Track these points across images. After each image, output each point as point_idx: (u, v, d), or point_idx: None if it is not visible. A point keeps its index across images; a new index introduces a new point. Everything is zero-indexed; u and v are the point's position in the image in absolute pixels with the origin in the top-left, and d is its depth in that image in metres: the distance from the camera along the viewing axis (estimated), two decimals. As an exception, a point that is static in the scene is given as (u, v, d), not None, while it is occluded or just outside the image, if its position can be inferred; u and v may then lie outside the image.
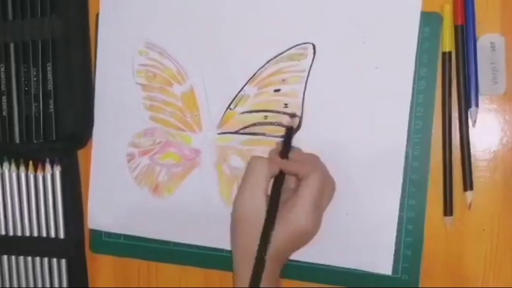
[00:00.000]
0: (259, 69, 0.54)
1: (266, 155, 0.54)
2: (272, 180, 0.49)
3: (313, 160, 0.50)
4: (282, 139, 0.52)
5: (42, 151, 0.60)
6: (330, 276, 0.53)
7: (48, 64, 0.59)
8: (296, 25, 0.53)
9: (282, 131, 0.53)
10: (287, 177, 0.50)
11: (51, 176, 0.60)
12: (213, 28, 0.55)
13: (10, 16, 0.59)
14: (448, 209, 0.50)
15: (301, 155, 0.51)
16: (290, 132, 0.52)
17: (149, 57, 0.57)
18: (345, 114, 0.51)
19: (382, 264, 0.51)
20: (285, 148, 0.50)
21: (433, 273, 0.52)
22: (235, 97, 0.55)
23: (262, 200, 0.48)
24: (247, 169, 0.50)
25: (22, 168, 0.61)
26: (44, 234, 0.61)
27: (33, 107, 0.59)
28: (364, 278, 0.52)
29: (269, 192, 0.49)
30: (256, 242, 0.47)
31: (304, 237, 0.49)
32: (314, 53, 0.52)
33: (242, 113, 0.55)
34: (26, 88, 0.60)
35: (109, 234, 0.60)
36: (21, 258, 0.62)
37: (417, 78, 0.50)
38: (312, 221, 0.48)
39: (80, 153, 0.61)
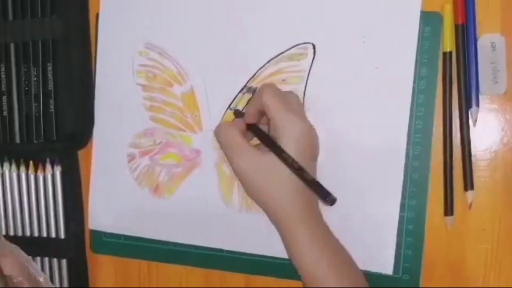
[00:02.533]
0: (259, 69, 0.54)
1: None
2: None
3: (258, 89, 0.51)
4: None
5: (42, 151, 0.60)
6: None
7: (48, 64, 0.59)
8: (296, 25, 0.53)
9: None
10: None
11: (52, 176, 0.60)
12: (213, 28, 0.55)
13: (11, 16, 0.59)
14: (448, 209, 0.50)
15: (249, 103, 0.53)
16: (237, 112, 0.54)
17: (149, 58, 0.57)
18: (346, 114, 0.51)
19: (383, 264, 0.51)
20: (240, 113, 0.53)
21: (434, 273, 0.52)
22: (236, 97, 0.55)
23: (251, 149, 0.49)
24: (219, 140, 0.51)
25: (22, 168, 0.61)
26: (44, 234, 0.61)
27: (34, 107, 0.59)
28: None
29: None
30: (279, 190, 0.48)
31: (309, 142, 0.49)
32: (314, 53, 0.52)
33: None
34: (27, 88, 0.60)
35: (109, 235, 0.60)
36: (22, 258, 0.62)
37: (417, 77, 0.50)
38: (297, 121, 0.48)
39: (81, 153, 0.61)
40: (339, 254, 0.49)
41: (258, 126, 0.51)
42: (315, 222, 0.49)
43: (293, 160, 0.47)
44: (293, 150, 0.47)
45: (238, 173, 0.50)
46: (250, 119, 0.51)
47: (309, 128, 0.49)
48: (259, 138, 0.51)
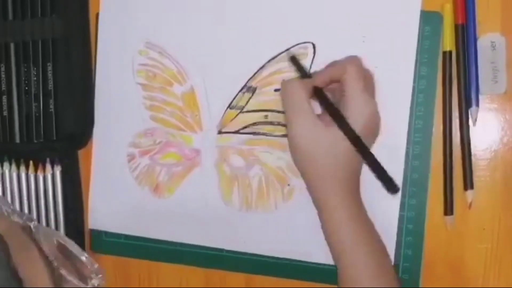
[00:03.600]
0: (259, 69, 0.54)
1: (267, 154, 0.54)
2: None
3: (341, 60, 0.49)
4: (295, 69, 0.51)
5: (42, 151, 0.60)
6: (331, 276, 0.53)
7: (48, 64, 0.59)
8: (296, 25, 0.53)
9: (283, 130, 0.53)
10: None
11: (52, 176, 0.60)
12: (213, 27, 0.55)
13: (11, 16, 0.59)
14: (448, 209, 0.50)
15: (326, 68, 0.50)
16: (294, 59, 0.51)
17: (149, 57, 0.57)
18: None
19: (383, 263, 0.51)
20: (302, 72, 0.50)
21: (433, 272, 0.52)
22: (236, 96, 0.55)
23: (316, 119, 0.47)
24: (284, 97, 0.50)
25: (22, 168, 0.61)
26: (44, 234, 0.61)
27: (34, 107, 0.59)
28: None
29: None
30: (329, 164, 0.47)
31: (375, 125, 0.48)
32: (314, 52, 0.52)
33: (243, 112, 0.55)
34: (27, 88, 0.59)
35: (109, 234, 0.60)
36: (22, 258, 0.62)
37: (417, 77, 0.50)
38: (372, 105, 0.47)
39: (81, 153, 0.61)
40: (376, 240, 0.48)
41: (325, 93, 0.49)
42: (357, 207, 0.48)
43: (359, 137, 0.46)
44: (359, 129, 0.46)
45: (292, 137, 0.48)
46: (321, 84, 0.49)
47: (377, 112, 0.48)
48: (326, 106, 0.48)
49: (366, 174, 0.51)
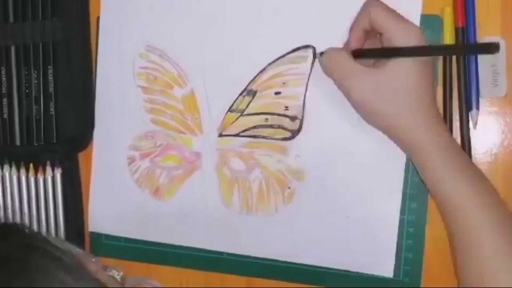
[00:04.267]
0: (259, 72, 0.54)
1: (267, 157, 0.54)
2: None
3: (361, 7, 0.48)
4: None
5: (42, 154, 0.60)
6: (331, 279, 0.53)
7: (49, 67, 0.59)
8: (296, 28, 0.53)
9: (283, 133, 0.53)
10: None
11: (52, 178, 0.60)
12: (214, 31, 0.55)
13: (11, 19, 0.59)
14: (449, 212, 0.50)
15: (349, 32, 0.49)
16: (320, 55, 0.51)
17: (150, 60, 0.58)
18: (346, 116, 0.51)
19: (384, 266, 0.51)
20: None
21: (434, 275, 0.51)
22: (236, 99, 0.55)
23: (370, 71, 0.46)
24: (329, 69, 0.49)
25: (22, 171, 0.61)
26: (44, 237, 0.61)
27: (34, 110, 0.59)
28: (366, 281, 0.52)
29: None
30: (408, 109, 0.45)
31: (424, 36, 0.46)
32: (314, 56, 0.52)
33: (243, 115, 0.55)
34: (27, 91, 0.60)
35: (109, 237, 0.60)
36: (22, 260, 0.62)
37: (418, 80, 0.50)
38: (410, 27, 0.46)
39: (81, 155, 0.61)
40: (488, 186, 0.46)
41: (363, 48, 0.48)
42: (454, 149, 0.46)
43: (424, 46, 0.45)
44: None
45: (356, 100, 0.47)
46: (358, 43, 0.48)
47: (422, 31, 0.46)
48: (373, 55, 0.48)
49: (367, 176, 0.51)
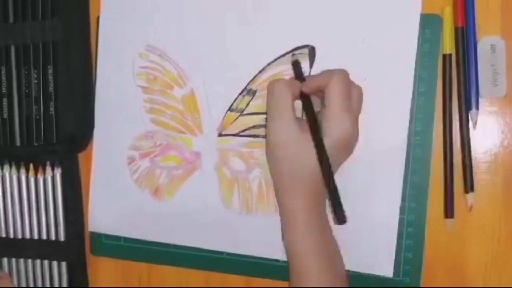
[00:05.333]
0: (259, 72, 0.54)
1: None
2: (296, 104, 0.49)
3: (330, 71, 0.49)
4: (294, 73, 0.52)
5: (42, 154, 0.60)
6: (331, 279, 0.53)
7: (49, 67, 0.59)
8: (296, 28, 0.53)
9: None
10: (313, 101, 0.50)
11: (52, 178, 0.60)
12: (214, 30, 0.55)
13: (11, 19, 0.59)
14: (449, 211, 0.50)
15: (316, 75, 0.51)
16: (297, 64, 0.52)
17: (150, 60, 0.58)
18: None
19: (383, 266, 0.51)
20: (300, 78, 0.50)
21: (434, 275, 0.51)
22: (236, 99, 0.55)
23: (294, 123, 0.48)
24: (269, 95, 0.50)
25: (22, 171, 0.61)
26: (44, 237, 0.61)
27: (34, 110, 0.59)
28: (365, 281, 0.52)
29: (297, 115, 0.49)
30: (300, 166, 0.47)
31: (348, 143, 0.48)
32: (314, 55, 0.52)
33: (243, 115, 0.55)
34: (27, 91, 0.60)
35: (109, 237, 0.60)
36: (22, 260, 0.62)
37: (417, 80, 0.50)
38: (349, 123, 0.47)
39: (81, 155, 0.61)
40: (329, 248, 0.49)
41: (311, 100, 0.49)
42: (318, 217, 0.49)
43: (327, 157, 0.46)
44: (331, 143, 0.47)
45: (270, 134, 0.49)
46: (308, 91, 0.49)
47: (355, 134, 0.48)
48: (306, 114, 0.49)
49: (366, 176, 0.51)
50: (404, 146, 0.50)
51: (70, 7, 0.59)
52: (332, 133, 0.47)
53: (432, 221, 0.51)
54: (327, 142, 0.46)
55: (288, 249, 0.49)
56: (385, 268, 0.51)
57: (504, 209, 0.50)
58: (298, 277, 0.49)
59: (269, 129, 0.49)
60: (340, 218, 0.45)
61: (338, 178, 0.51)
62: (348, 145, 0.49)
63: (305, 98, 0.49)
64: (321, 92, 0.49)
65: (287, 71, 0.53)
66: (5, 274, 0.50)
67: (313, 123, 0.48)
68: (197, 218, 0.57)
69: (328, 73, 0.48)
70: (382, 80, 0.50)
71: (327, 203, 0.50)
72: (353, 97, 0.48)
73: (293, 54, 0.53)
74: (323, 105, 0.49)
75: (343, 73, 0.48)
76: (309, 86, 0.49)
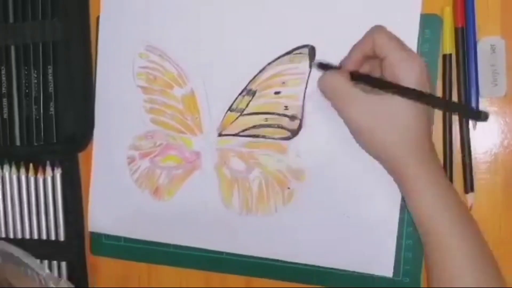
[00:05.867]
0: (259, 72, 0.54)
1: (266, 157, 0.54)
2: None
3: (364, 35, 0.48)
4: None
5: (42, 154, 0.60)
6: (331, 279, 0.53)
7: (48, 67, 0.59)
8: (296, 28, 0.53)
9: (282, 133, 0.53)
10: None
11: (52, 178, 0.60)
12: (214, 31, 0.55)
13: (11, 19, 0.59)
14: (449, 211, 0.50)
15: (348, 53, 0.49)
16: (322, 65, 0.51)
17: (150, 60, 0.58)
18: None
19: (383, 266, 0.51)
20: (334, 66, 0.49)
21: (434, 275, 0.51)
22: (236, 99, 0.55)
23: (366, 97, 0.46)
24: (325, 93, 0.49)
25: (22, 171, 0.61)
26: (44, 237, 0.61)
27: (34, 110, 0.59)
28: (365, 281, 0.52)
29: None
30: (395, 134, 0.45)
31: (427, 75, 0.46)
32: (314, 55, 0.52)
33: (243, 115, 0.55)
34: (27, 91, 0.60)
35: (109, 237, 0.60)
36: (22, 260, 0.62)
37: (417, 80, 0.50)
38: (417, 57, 0.46)
39: (81, 155, 0.61)
40: (472, 228, 0.46)
41: (362, 74, 0.48)
42: (445, 187, 0.46)
43: (420, 91, 0.44)
44: (414, 85, 0.44)
45: (352, 122, 0.47)
46: (356, 66, 0.48)
47: (425, 63, 0.46)
48: (371, 83, 0.47)
49: (366, 176, 0.51)
50: (404, 146, 0.50)
51: (70, 7, 0.59)
52: (408, 74, 0.45)
53: (432, 221, 0.51)
54: (411, 85, 0.44)
55: (417, 220, 0.46)
56: (385, 268, 0.51)
57: (504, 209, 0.50)
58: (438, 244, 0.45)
59: (349, 120, 0.47)
60: (478, 115, 0.42)
61: (338, 176, 0.51)
62: (428, 78, 0.46)
63: (356, 75, 0.48)
64: (368, 59, 0.48)
65: (287, 71, 0.53)
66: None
67: (381, 80, 0.46)
68: (197, 218, 0.57)
69: (366, 35, 0.48)
70: (382, 80, 0.50)
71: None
72: (398, 39, 0.47)
73: (313, 63, 0.52)
74: (380, 66, 0.47)
75: (380, 27, 0.47)
76: (355, 60, 0.48)
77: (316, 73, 0.52)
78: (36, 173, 0.61)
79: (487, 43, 0.49)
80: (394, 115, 0.45)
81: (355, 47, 0.49)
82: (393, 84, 0.45)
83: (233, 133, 0.56)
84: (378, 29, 0.47)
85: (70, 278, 0.61)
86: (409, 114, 0.45)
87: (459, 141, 0.50)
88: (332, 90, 0.48)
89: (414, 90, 0.44)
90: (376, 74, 0.48)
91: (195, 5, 0.56)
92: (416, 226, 0.47)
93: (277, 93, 0.54)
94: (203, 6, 0.55)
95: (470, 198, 0.50)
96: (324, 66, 0.51)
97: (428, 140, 0.46)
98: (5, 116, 0.60)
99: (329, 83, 0.48)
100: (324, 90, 0.49)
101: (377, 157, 0.48)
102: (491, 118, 0.50)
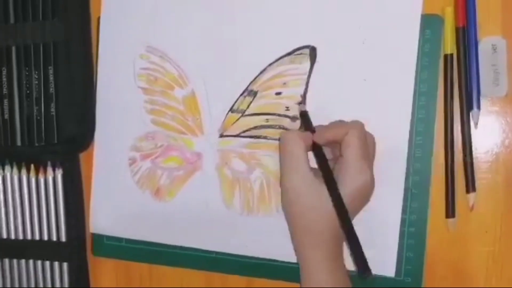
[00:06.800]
0: (260, 72, 0.54)
1: (268, 158, 0.54)
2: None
3: (343, 123, 0.50)
4: (302, 126, 0.52)
5: (43, 154, 0.60)
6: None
7: (49, 68, 0.59)
8: (297, 28, 0.53)
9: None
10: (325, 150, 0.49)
11: (53, 179, 0.60)
12: (214, 31, 0.55)
13: (12, 20, 0.59)
14: (450, 211, 0.50)
15: (327, 125, 0.51)
16: (305, 115, 0.52)
17: (150, 61, 0.58)
18: (347, 116, 0.51)
19: (385, 266, 0.51)
20: (309, 128, 0.50)
21: (435, 275, 0.51)
22: (237, 100, 0.55)
23: (309, 175, 0.48)
24: (282, 148, 0.49)
25: (23, 171, 0.61)
26: (45, 238, 0.61)
27: (35, 110, 0.59)
28: (367, 280, 0.52)
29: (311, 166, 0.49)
30: (318, 218, 0.47)
31: (365, 193, 0.48)
32: (315, 56, 0.52)
33: (244, 116, 0.55)
34: (28, 91, 0.60)
35: (110, 238, 0.60)
36: (23, 261, 0.62)
37: (418, 80, 0.50)
38: (367, 175, 0.47)
39: (82, 156, 0.61)
40: None
41: (323, 151, 0.49)
42: (340, 269, 0.49)
43: (344, 208, 0.46)
44: (348, 194, 0.46)
45: (285, 188, 0.49)
46: (321, 141, 0.49)
47: (371, 181, 0.48)
48: (320, 166, 0.49)
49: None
50: (406, 146, 0.50)
51: (71, 7, 0.59)
52: (351, 183, 0.47)
53: (433, 220, 0.51)
54: (345, 191, 0.46)
55: None
56: (387, 268, 0.51)
57: (506, 209, 0.50)
58: None
59: (284, 182, 0.49)
60: (365, 271, 0.44)
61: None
62: (367, 194, 0.49)
63: (317, 148, 0.49)
64: (334, 143, 0.49)
65: (288, 72, 0.53)
66: None
67: (329, 174, 0.47)
68: (198, 218, 0.57)
69: (343, 125, 0.49)
70: (383, 80, 0.51)
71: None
72: (369, 144, 0.49)
73: (299, 103, 0.53)
74: (336, 154, 0.49)
75: (360, 125, 0.48)
76: (324, 137, 0.49)
77: (318, 74, 0.52)
78: (37, 174, 0.61)
79: (488, 43, 0.49)
80: (323, 202, 0.47)
81: (330, 126, 0.50)
82: (331, 179, 0.47)
83: (234, 134, 0.56)
84: (355, 127, 0.48)
85: (71, 279, 0.61)
86: (331, 213, 0.46)
87: (461, 141, 0.50)
88: (288, 150, 0.49)
89: (340, 199, 0.46)
90: (336, 154, 0.49)
91: (195, 6, 0.56)
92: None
93: (278, 93, 0.54)
94: (204, 7, 0.55)
95: (471, 197, 0.50)
96: (305, 118, 0.51)
97: (340, 243, 0.48)
98: (6, 116, 0.60)
99: (290, 143, 0.49)
100: (283, 145, 0.49)
101: (290, 228, 0.50)
102: (492, 118, 0.50)
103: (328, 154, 0.50)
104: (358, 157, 0.47)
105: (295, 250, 0.50)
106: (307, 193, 0.48)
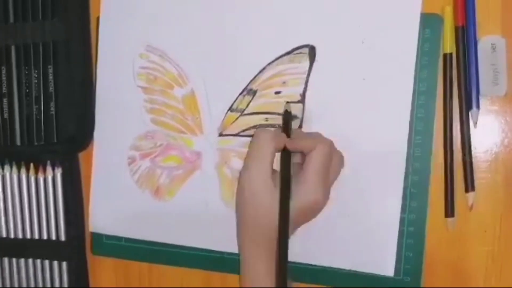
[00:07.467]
0: (259, 71, 0.54)
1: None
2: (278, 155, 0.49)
3: (316, 136, 0.50)
4: (281, 124, 0.52)
5: (43, 154, 0.60)
6: (332, 278, 0.53)
7: (49, 67, 0.59)
8: (296, 27, 0.53)
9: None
10: (293, 153, 0.50)
11: (52, 178, 0.60)
12: (214, 31, 0.55)
13: (12, 19, 0.59)
14: (449, 211, 0.50)
15: (303, 133, 0.51)
16: (288, 115, 0.52)
17: (150, 60, 0.58)
18: (346, 116, 0.51)
19: (384, 265, 0.51)
20: (286, 131, 0.50)
21: (435, 274, 0.51)
22: (236, 99, 0.55)
23: (269, 175, 0.48)
24: (252, 142, 0.50)
25: (23, 171, 0.61)
26: (45, 237, 0.61)
27: (34, 110, 0.59)
28: (366, 280, 0.52)
29: (275, 167, 0.49)
30: (266, 216, 0.47)
31: (313, 210, 0.49)
32: (314, 55, 0.52)
33: (243, 115, 0.55)
34: (27, 91, 0.60)
35: (110, 237, 0.60)
36: (22, 260, 0.62)
37: (417, 79, 0.50)
38: (320, 194, 0.48)
39: (81, 155, 0.61)
40: None
41: (290, 158, 0.49)
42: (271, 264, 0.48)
43: (287, 220, 0.46)
44: (295, 207, 0.47)
45: (244, 180, 0.49)
46: (291, 149, 0.49)
47: (324, 200, 0.49)
48: (282, 170, 0.48)
49: (367, 175, 0.51)
50: (405, 145, 0.50)
51: (71, 7, 0.59)
52: (303, 198, 0.47)
53: (432, 220, 0.51)
54: (295, 205, 0.47)
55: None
56: (386, 267, 0.51)
57: (505, 208, 0.50)
58: None
59: (243, 175, 0.49)
60: (283, 283, 0.45)
61: (339, 178, 0.51)
62: (312, 213, 0.49)
63: (286, 152, 0.49)
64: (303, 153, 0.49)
65: (287, 71, 0.53)
66: None
67: (286, 182, 0.47)
68: (197, 218, 0.57)
69: (314, 139, 0.49)
70: (382, 80, 0.51)
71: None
72: (332, 166, 0.49)
73: (287, 102, 0.53)
74: (301, 166, 0.49)
75: (329, 143, 0.49)
76: (294, 146, 0.49)
77: (318, 73, 0.52)
78: (36, 173, 0.61)
79: (488, 42, 0.49)
80: (271, 205, 0.47)
81: (305, 137, 0.50)
82: (286, 190, 0.47)
83: (234, 133, 0.56)
84: (323, 144, 0.48)
85: (70, 278, 0.61)
86: (276, 220, 0.46)
87: (460, 140, 0.50)
88: (257, 147, 0.49)
89: (286, 211, 0.46)
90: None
91: (195, 5, 0.56)
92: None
93: (277, 93, 0.54)
94: (203, 6, 0.55)
95: (470, 197, 0.50)
96: (286, 118, 0.51)
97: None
98: (6, 116, 0.60)
99: (261, 140, 0.49)
100: (253, 140, 0.50)
101: (237, 217, 0.51)
102: (492, 117, 0.50)
103: (298, 158, 0.50)
104: (316, 175, 0.47)
105: (239, 245, 0.51)
106: (262, 191, 0.48)
